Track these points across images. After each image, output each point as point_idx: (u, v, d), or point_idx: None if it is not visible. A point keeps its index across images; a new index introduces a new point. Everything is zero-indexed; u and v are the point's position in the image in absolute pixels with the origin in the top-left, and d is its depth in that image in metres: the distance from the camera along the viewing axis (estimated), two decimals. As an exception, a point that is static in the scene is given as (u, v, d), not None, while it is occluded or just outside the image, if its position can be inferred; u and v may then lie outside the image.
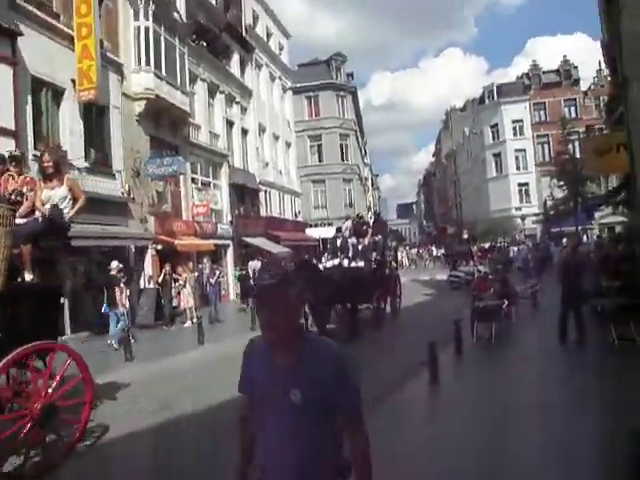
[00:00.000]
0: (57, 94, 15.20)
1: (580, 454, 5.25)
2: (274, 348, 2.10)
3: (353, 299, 13.06)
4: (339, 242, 15.51)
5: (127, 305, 13.00)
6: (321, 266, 13.97)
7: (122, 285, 13.08)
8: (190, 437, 6.52)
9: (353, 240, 15.08)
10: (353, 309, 13.15)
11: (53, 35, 14.92)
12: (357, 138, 50.01)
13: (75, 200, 6.19)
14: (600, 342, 10.06)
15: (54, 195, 6.04)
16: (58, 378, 5.59)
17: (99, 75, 15.56)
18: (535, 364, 9.30)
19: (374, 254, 14.99)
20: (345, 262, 14.18)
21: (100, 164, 16.43)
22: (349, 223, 16.40)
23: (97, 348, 12.96)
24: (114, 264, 13.46)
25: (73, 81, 15.40)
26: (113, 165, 17.12)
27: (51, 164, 6.08)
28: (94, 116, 16.70)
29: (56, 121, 15.21)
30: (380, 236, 15.91)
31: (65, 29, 15.32)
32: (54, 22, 15.02)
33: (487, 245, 36.34)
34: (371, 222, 18.22)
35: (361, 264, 14.10)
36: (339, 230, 16.53)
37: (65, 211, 6.06)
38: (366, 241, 15.25)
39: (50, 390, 5.43)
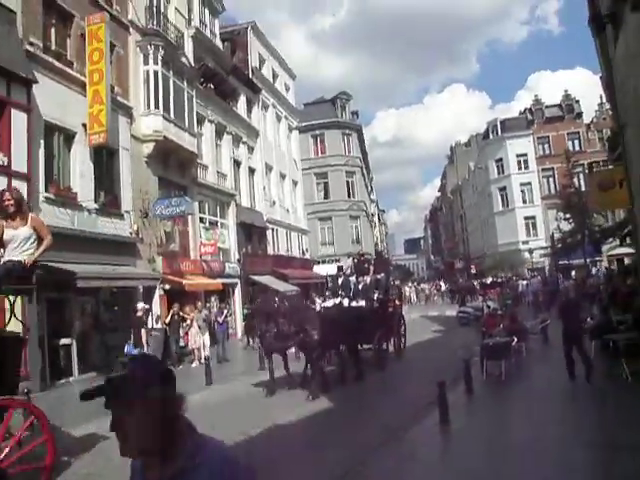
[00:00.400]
0: (68, 138, 15.56)
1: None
2: (145, 463, 1.65)
3: (353, 340, 12.55)
4: (340, 281, 15.16)
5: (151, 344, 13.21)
6: (319, 306, 13.91)
7: (148, 326, 13.26)
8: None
9: (354, 279, 14.82)
10: (354, 350, 12.64)
11: (66, 82, 15.35)
12: (363, 175, 50.49)
13: (40, 240, 5.94)
14: (612, 378, 9.92)
15: (17, 235, 5.80)
16: (14, 439, 5.08)
17: (109, 119, 15.94)
18: (546, 401, 9.16)
19: (376, 293, 14.51)
20: (345, 301, 13.81)
21: (109, 205, 16.67)
22: (350, 261, 16.18)
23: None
24: (140, 305, 13.83)
25: (84, 125, 15.78)
26: (122, 206, 17.34)
27: (12, 202, 5.81)
28: (104, 158, 17.02)
29: (67, 164, 15.52)
30: (382, 274, 15.41)
31: (78, 76, 15.76)
32: (68, 69, 15.49)
33: (489, 280, 36.06)
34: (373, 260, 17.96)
35: (362, 303, 13.77)
36: (340, 269, 16.32)
37: (29, 252, 5.81)
38: (368, 279, 14.83)
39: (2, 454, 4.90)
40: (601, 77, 18.70)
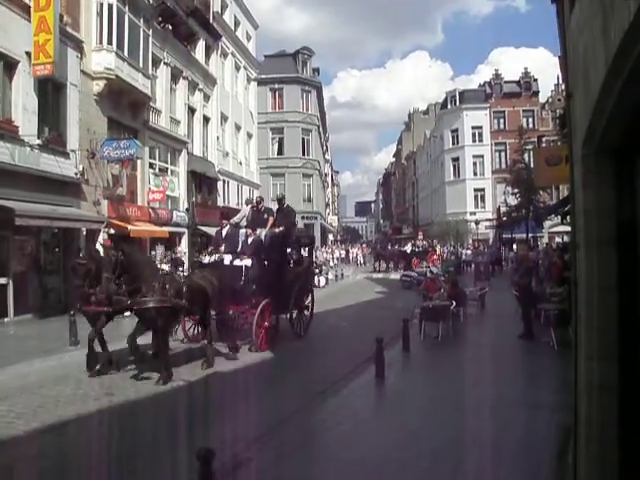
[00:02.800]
0: (10, 66, 14.55)
1: (511, 447, 5.49)
2: None
3: (222, 307, 9.85)
4: (224, 232, 11.99)
5: None
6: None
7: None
8: (130, 423, 6.46)
9: (244, 231, 11.73)
10: (223, 321, 10.06)
11: (7, 3, 14.25)
12: (319, 133, 50.15)
13: None
14: (541, 345, 10.48)
15: None
16: None
17: (57, 50, 15.02)
18: (478, 363, 9.62)
19: (271, 251, 11.45)
20: (227, 258, 11.18)
21: (54, 142, 15.89)
22: (248, 209, 12.59)
23: (45, 330, 12.63)
24: (179, 248, 13.68)
25: (28, 54, 14.82)
26: (68, 144, 16.56)
27: None
28: (50, 92, 16.13)
29: (8, 94, 14.60)
30: (282, 228, 11.82)
31: (22, -2, 14.72)
32: (11, -10, 14.40)
33: (409, 249, 36.20)
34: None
35: (248, 262, 10.93)
36: (224, 215, 13.15)
37: None
38: (263, 234, 11.54)
39: None
40: (559, 57, 19.04)
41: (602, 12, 2.11)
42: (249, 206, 12.77)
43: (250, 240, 11.28)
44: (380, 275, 31.66)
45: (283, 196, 13.25)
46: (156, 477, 4.95)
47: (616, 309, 2.90)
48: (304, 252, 13.73)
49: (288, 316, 11.76)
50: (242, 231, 11.76)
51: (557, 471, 4.77)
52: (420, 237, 44.85)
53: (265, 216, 12.16)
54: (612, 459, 3.04)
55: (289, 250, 12.43)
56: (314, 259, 26.76)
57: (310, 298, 13.15)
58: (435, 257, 31.52)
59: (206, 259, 11.73)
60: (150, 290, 8.05)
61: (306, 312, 12.88)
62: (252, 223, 11.87)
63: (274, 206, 13.60)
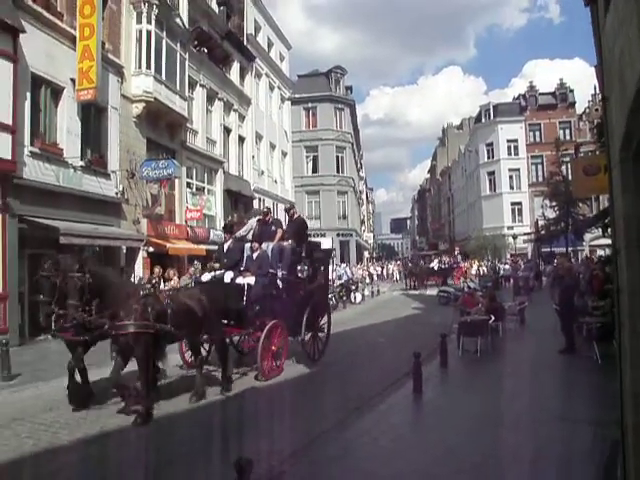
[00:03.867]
0: (56, 92, 15.23)
1: (555, 462, 5.33)
2: None
3: (199, 329, 8.33)
4: (226, 246, 10.79)
5: None
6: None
7: None
8: (168, 435, 6.55)
9: (249, 245, 10.51)
10: (219, 344, 8.83)
11: (55, 34, 14.95)
12: (353, 151, 50.30)
13: None
14: (584, 359, 10.20)
15: None
16: None
17: (99, 76, 15.63)
18: (517, 378, 9.41)
19: (279, 267, 10.13)
20: (228, 275, 10.03)
21: (96, 164, 16.45)
22: (254, 222, 11.47)
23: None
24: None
25: (73, 80, 15.46)
26: (109, 165, 17.13)
27: None
28: (92, 116, 16.75)
29: (54, 119, 15.24)
30: (291, 241, 10.59)
31: (67, 29, 15.38)
32: (57, 21, 15.08)
33: (435, 266, 35.69)
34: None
35: (251, 280, 9.69)
36: (227, 228, 11.51)
37: None
38: (270, 248, 10.34)
39: None
40: (595, 66, 18.66)
41: (637, 13, 2.10)
42: (256, 218, 11.66)
43: (255, 255, 10.13)
44: (416, 292, 31.33)
45: (292, 205, 12.29)
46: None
47: (660, 315, 2.83)
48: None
49: (300, 339, 10.25)
50: (247, 245, 10.59)
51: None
52: (457, 252, 44.28)
53: (273, 228, 10.97)
54: (661, 472, 2.94)
55: (300, 266, 10.74)
56: (349, 275, 27.06)
57: (327, 319, 11.59)
58: (461, 273, 31.15)
59: (204, 276, 10.74)
60: (129, 313, 7.01)
61: (322, 334, 11.34)
62: (259, 236, 10.69)
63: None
